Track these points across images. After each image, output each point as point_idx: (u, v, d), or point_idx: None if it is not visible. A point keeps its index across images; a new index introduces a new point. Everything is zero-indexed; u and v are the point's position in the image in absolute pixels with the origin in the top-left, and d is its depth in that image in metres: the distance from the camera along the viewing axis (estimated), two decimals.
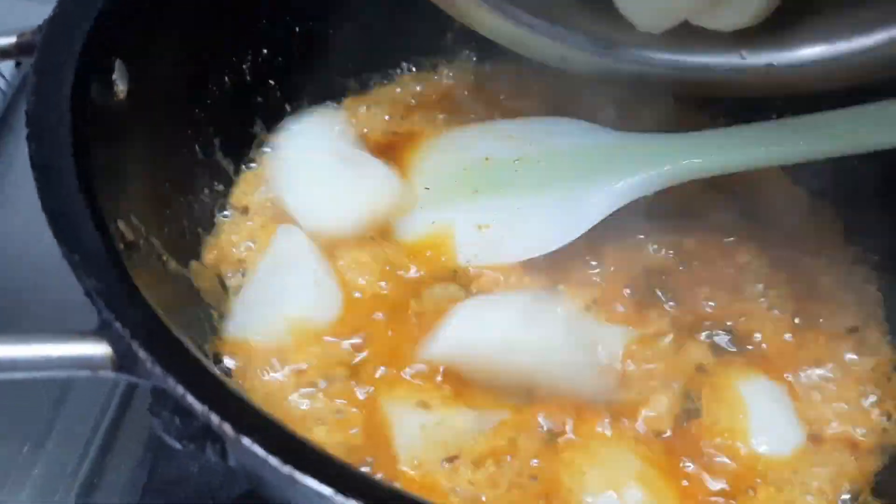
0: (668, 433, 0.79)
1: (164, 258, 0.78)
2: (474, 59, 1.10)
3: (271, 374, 0.78)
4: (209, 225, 0.90)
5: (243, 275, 0.86)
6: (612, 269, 0.89)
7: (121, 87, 0.74)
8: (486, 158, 0.94)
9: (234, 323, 0.80)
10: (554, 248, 0.87)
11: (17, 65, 1.20)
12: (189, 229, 0.87)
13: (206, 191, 0.91)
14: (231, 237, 0.89)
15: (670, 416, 0.79)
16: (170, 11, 0.81)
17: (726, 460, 0.78)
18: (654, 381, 0.81)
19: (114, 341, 0.51)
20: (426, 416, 0.75)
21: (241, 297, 0.82)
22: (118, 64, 0.74)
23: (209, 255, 0.88)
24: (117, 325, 0.50)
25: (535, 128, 0.96)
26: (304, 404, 0.77)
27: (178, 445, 0.54)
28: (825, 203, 0.98)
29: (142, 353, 0.49)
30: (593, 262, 0.90)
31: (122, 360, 0.51)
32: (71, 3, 0.71)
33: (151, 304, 0.54)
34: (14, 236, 1.03)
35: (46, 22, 0.70)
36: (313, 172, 0.93)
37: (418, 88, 1.08)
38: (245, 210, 0.92)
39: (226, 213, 0.92)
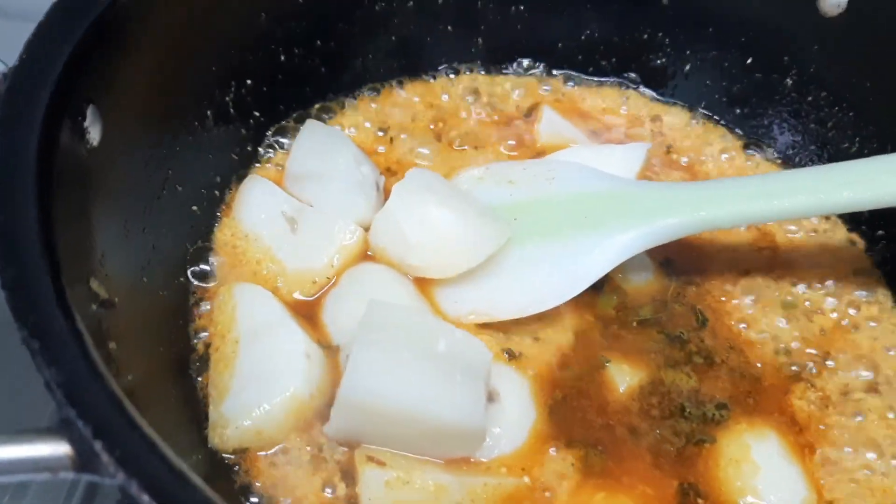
0: None
1: (146, 319, 0.74)
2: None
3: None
4: (195, 282, 0.86)
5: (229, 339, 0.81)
6: None
7: (93, 135, 0.70)
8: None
9: (227, 406, 0.74)
10: (551, 306, 0.83)
11: None
12: (172, 285, 0.83)
13: (189, 240, 0.87)
14: (219, 293, 0.84)
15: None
16: (146, 50, 0.77)
17: None
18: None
19: (74, 440, 0.46)
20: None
21: (230, 374, 0.77)
22: (91, 109, 0.69)
23: (197, 313, 0.84)
24: (79, 422, 0.45)
25: (536, 172, 0.92)
26: None
27: None
28: None
29: (104, 456, 0.44)
30: None
31: (84, 460, 0.47)
32: (38, 48, 0.66)
33: (119, 393, 0.49)
34: None
35: (11, 70, 0.65)
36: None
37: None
38: (232, 262, 0.88)
39: (210, 262, 0.88)
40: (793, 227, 0.96)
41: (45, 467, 0.47)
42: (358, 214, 0.88)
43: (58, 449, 0.47)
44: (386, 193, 0.92)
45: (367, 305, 0.76)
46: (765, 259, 0.94)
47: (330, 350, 0.81)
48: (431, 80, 1.08)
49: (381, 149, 1.00)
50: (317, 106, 1.02)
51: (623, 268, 0.88)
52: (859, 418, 0.83)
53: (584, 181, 0.90)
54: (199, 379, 0.79)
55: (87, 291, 0.64)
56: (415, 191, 0.85)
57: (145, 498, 0.43)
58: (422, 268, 0.85)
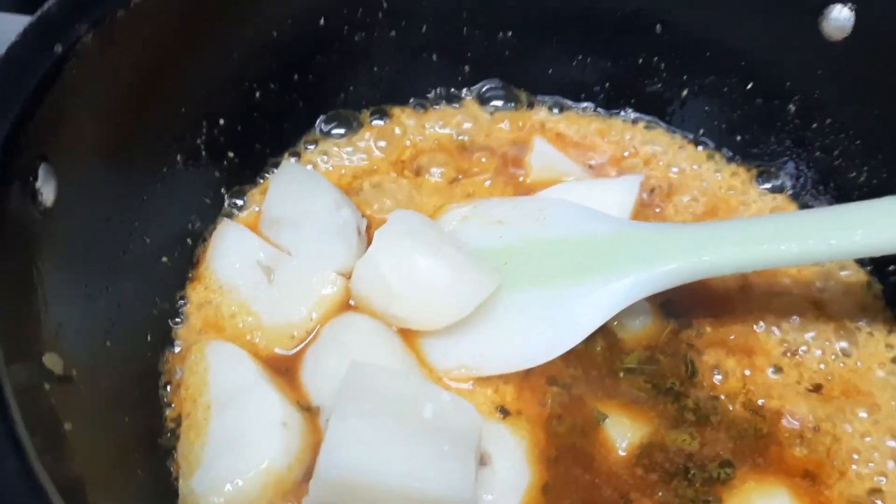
0: None
1: (110, 388, 0.69)
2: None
3: None
4: (165, 341, 0.81)
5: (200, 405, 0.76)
6: None
7: (47, 196, 0.65)
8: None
9: (198, 481, 0.69)
10: (544, 360, 0.78)
11: None
12: (140, 347, 0.78)
13: (159, 295, 0.81)
14: (191, 353, 0.79)
15: None
16: (105, 98, 0.71)
17: None
18: None
19: None
20: None
21: (202, 444, 0.72)
22: (43, 168, 0.64)
23: (168, 376, 0.79)
24: None
25: (526, 212, 0.87)
26: None
27: None
28: None
29: None
30: None
31: None
32: None
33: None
34: None
35: None
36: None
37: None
38: (205, 317, 0.83)
39: (182, 317, 0.83)
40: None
41: None
42: (338, 262, 0.83)
43: None
44: (369, 238, 0.87)
45: (348, 366, 0.71)
46: (767, 299, 0.89)
47: (310, 412, 0.76)
48: (417, 112, 1.02)
49: (363, 188, 0.95)
50: (295, 144, 0.97)
51: (619, 313, 0.82)
52: (871, 465, 0.78)
53: (577, 222, 0.85)
54: (172, 448, 0.74)
55: (37, 372, 0.59)
56: (399, 235, 0.80)
57: None
58: (407, 319, 0.80)
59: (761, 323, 0.87)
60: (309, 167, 0.93)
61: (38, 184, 0.64)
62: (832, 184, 0.96)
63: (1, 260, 0.57)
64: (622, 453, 0.76)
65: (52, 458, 0.53)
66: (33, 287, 0.62)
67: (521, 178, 0.98)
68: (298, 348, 0.81)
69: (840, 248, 0.73)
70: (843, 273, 0.91)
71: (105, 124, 0.72)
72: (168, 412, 0.76)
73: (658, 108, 1.04)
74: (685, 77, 1.02)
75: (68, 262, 0.68)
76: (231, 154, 0.90)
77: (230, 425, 0.72)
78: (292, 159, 0.95)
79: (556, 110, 1.05)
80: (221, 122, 0.88)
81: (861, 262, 0.92)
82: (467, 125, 1.03)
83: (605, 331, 0.83)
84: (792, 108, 0.97)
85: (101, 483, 0.61)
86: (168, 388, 0.78)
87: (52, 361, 0.61)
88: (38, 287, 0.62)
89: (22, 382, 0.53)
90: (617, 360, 0.83)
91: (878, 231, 0.72)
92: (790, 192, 0.99)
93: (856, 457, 0.79)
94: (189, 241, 0.86)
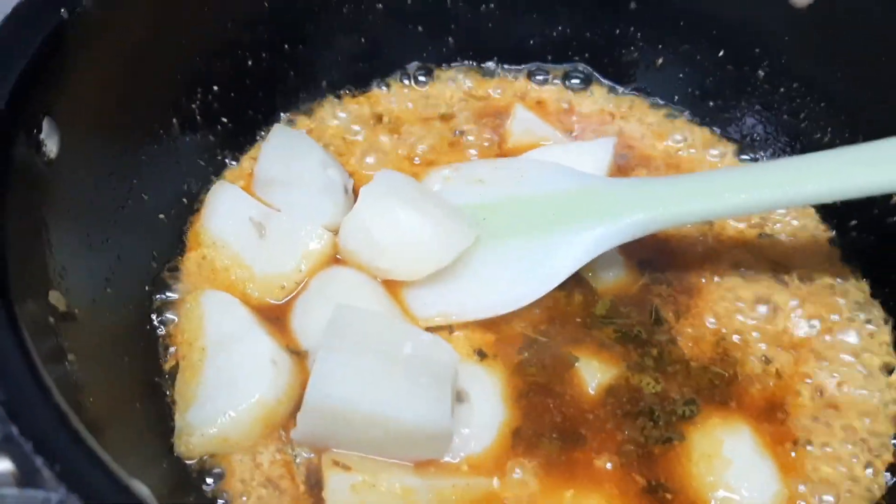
0: None
1: (110, 330, 0.74)
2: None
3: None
4: (162, 290, 0.86)
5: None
6: None
7: (51, 148, 0.70)
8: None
9: (193, 415, 0.75)
10: (520, 305, 0.83)
11: None
12: (139, 295, 0.83)
13: (156, 249, 0.86)
14: (186, 301, 0.85)
15: None
16: (106, 59, 0.76)
17: None
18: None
19: (16, 456, 0.46)
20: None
21: (197, 382, 0.77)
22: (47, 121, 0.69)
23: (165, 322, 0.84)
24: (20, 439, 0.45)
25: (507, 171, 0.92)
26: None
27: None
28: None
29: (46, 472, 0.44)
30: None
31: (28, 476, 0.47)
32: None
33: (65, 408, 0.49)
34: None
35: None
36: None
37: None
38: (200, 270, 0.88)
39: (178, 270, 0.88)
40: (759, 220, 0.96)
41: None
42: (326, 218, 0.88)
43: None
44: (355, 196, 0.91)
45: (333, 310, 0.76)
46: (734, 255, 0.93)
47: (299, 355, 0.81)
48: (402, 82, 1.07)
49: (349, 151, 1.00)
50: (286, 111, 1.02)
51: (593, 265, 0.87)
52: (830, 409, 0.83)
53: (553, 179, 0.89)
54: (169, 387, 0.79)
55: (43, 305, 0.64)
56: (383, 193, 0.85)
57: None
58: (390, 270, 0.85)
59: (727, 277, 0.91)
60: (299, 131, 0.98)
61: (42, 136, 0.69)
62: (798, 145, 1.01)
63: (11, 204, 0.62)
64: (592, 392, 0.81)
65: (57, 380, 0.58)
66: (39, 231, 0.67)
67: (501, 144, 1.03)
68: (288, 298, 0.86)
69: (793, 195, 0.78)
70: (805, 229, 0.96)
71: (105, 85, 0.77)
72: (165, 355, 0.81)
73: (634, 76, 1.09)
74: (660, 46, 1.06)
75: (71, 212, 0.73)
76: (225, 119, 0.95)
77: (224, 365, 0.77)
78: (283, 124, 0.99)
79: (537, 79, 1.10)
80: (215, 88, 0.93)
81: (823, 219, 0.97)
82: (451, 94, 1.08)
83: (580, 282, 0.88)
84: (761, 73, 1.01)
85: (99, 413, 0.66)
86: (165, 333, 0.83)
87: (55, 298, 0.66)
88: (43, 231, 0.67)
89: (27, 313, 0.57)
90: (590, 309, 0.87)
91: (829, 179, 0.77)
92: (760, 153, 1.04)
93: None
94: (185, 200, 0.91)
